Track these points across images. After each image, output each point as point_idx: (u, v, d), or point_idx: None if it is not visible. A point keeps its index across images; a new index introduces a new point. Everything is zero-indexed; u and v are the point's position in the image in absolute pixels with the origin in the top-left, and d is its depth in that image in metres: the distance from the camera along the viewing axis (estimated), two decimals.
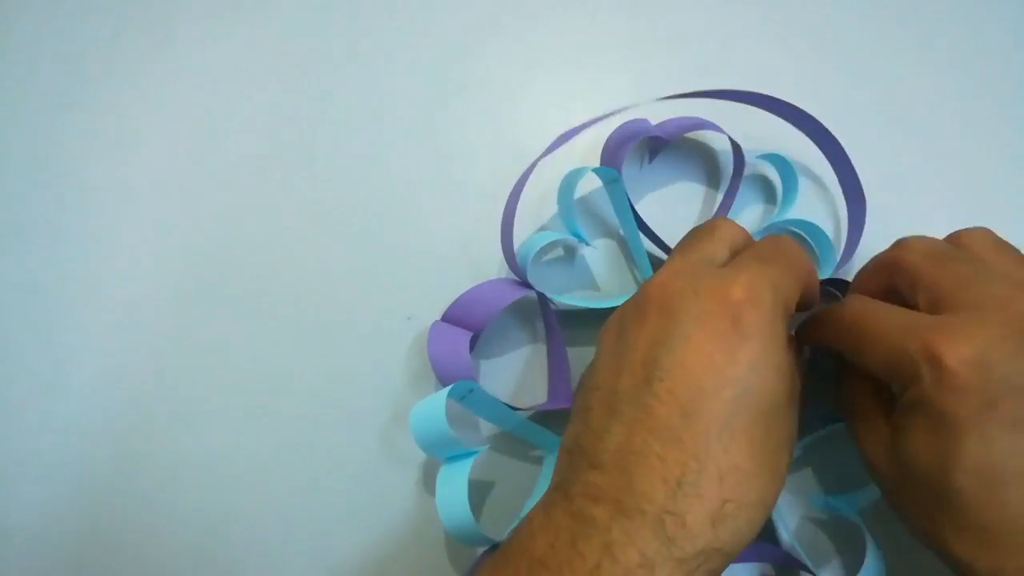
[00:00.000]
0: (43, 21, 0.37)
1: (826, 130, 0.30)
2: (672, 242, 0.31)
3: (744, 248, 0.25)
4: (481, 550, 0.28)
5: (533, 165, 0.30)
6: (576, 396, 0.24)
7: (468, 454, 0.27)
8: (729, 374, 0.20)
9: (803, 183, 0.32)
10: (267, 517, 0.30)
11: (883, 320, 0.22)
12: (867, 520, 0.27)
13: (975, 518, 0.19)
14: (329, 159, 0.34)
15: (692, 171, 0.33)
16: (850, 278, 0.27)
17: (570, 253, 0.32)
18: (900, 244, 0.24)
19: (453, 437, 0.26)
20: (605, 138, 0.31)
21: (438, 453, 0.27)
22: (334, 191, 0.33)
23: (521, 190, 0.30)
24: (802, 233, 0.32)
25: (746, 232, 0.25)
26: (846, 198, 0.31)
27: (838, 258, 0.31)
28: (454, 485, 0.26)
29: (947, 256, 0.22)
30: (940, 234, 0.24)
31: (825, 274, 0.30)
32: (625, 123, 0.31)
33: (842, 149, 0.30)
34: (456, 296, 0.29)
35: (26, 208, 0.34)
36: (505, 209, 0.30)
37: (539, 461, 0.30)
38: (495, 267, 0.32)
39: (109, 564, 0.30)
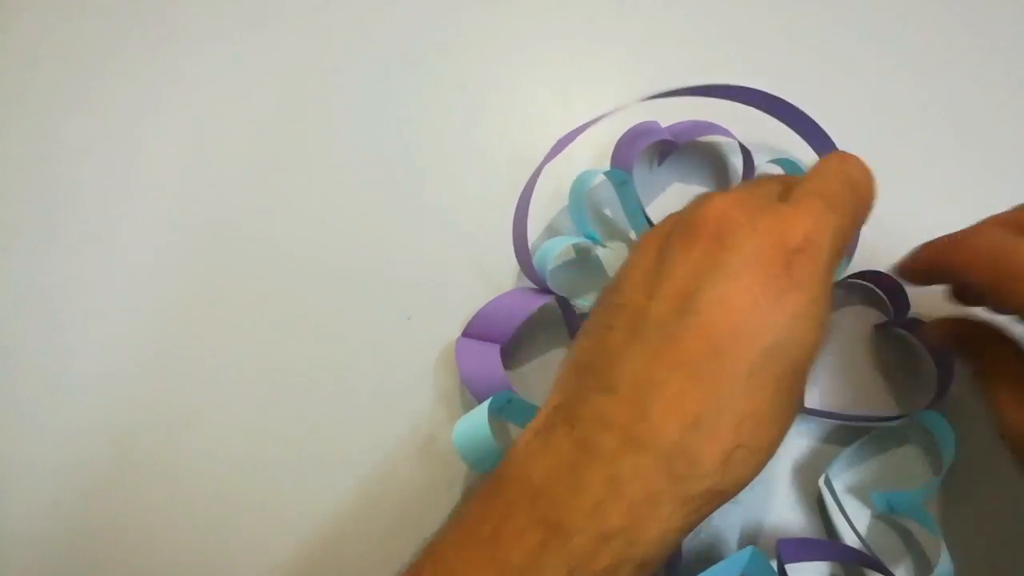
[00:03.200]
0: (43, 21, 0.37)
1: (820, 129, 0.30)
2: None
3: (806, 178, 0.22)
4: None
5: (538, 172, 0.30)
6: (595, 311, 0.23)
7: None
8: (771, 321, 0.19)
9: None
10: (274, 526, 0.29)
11: None
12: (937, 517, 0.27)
13: None
14: (329, 160, 0.34)
15: (701, 174, 0.33)
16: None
17: (582, 255, 0.32)
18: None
19: (501, 450, 0.26)
20: (610, 141, 0.31)
21: (489, 468, 0.27)
22: (334, 192, 0.33)
23: (529, 198, 0.30)
24: None
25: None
26: None
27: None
28: None
29: None
30: (939, 232, 0.24)
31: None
32: (635, 125, 0.31)
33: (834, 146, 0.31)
34: (462, 299, 0.30)
35: (26, 208, 0.34)
36: (515, 219, 0.30)
37: None
38: (502, 268, 0.32)
39: (110, 565, 0.29)
